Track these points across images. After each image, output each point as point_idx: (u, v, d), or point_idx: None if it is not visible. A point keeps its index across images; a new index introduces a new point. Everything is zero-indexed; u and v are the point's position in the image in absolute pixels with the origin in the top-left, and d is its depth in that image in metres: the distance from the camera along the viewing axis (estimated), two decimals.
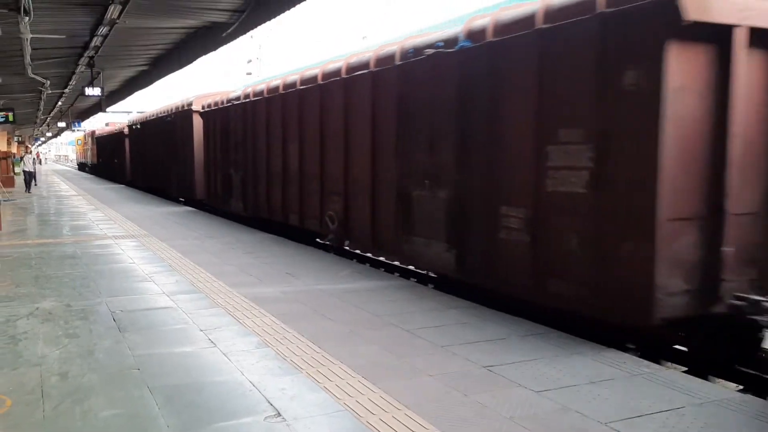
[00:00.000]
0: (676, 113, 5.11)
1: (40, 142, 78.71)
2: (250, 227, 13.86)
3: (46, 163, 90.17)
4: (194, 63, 16.13)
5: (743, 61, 5.27)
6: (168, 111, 21.69)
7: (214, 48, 14.17)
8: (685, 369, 5.77)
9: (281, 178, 12.62)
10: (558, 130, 6.06)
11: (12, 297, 7.15)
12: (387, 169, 8.92)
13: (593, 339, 5.59)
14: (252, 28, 12.23)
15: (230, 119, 15.35)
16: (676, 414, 3.95)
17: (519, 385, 4.44)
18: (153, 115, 24.53)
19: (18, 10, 10.15)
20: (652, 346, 6.04)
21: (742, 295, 5.22)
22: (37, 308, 6.61)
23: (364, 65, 9.57)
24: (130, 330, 5.79)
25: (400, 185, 8.54)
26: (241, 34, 12.79)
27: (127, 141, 30.67)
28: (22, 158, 31.90)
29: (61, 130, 51.58)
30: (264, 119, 13.28)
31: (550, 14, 6.20)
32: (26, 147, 49.39)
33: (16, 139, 45.24)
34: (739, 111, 5.30)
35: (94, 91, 18.27)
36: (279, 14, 10.96)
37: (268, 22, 11.51)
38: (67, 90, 23.82)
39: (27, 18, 10.35)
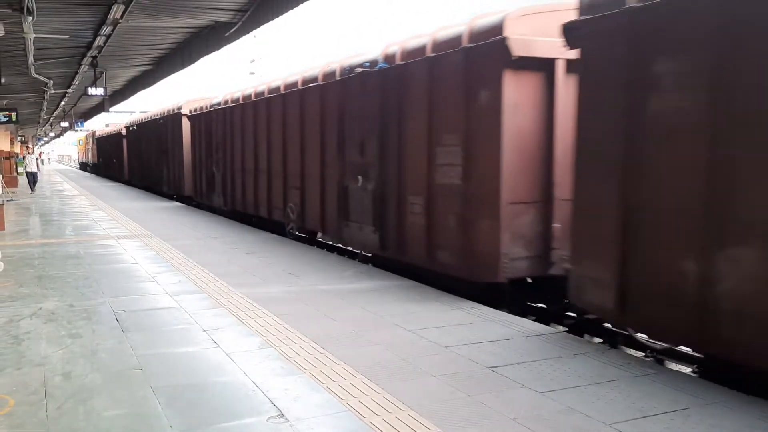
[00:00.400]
0: (512, 124, 6.80)
1: (43, 142, 78.78)
2: (252, 227, 13.86)
3: (49, 163, 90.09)
4: (198, 63, 16.13)
5: (562, 84, 6.91)
6: (161, 114, 23.14)
7: (217, 48, 14.16)
8: (565, 330, 6.66)
9: (253, 175, 14.20)
10: (442, 135, 7.75)
11: (15, 297, 7.15)
12: (332, 166, 10.49)
13: (466, 296, 7.12)
14: (255, 28, 12.21)
15: (212, 123, 16.96)
16: (682, 415, 3.93)
17: (523, 385, 4.42)
18: (147, 118, 26.08)
19: (21, 10, 10.15)
20: (524, 305, 7.39)
21: None
22: (40, 308, 6.61)
23: (314, 79, 11.10)
24: (133, 330, 5.79)
25: (341, 180, 10.09)
26: (245, 34, 12.78)
27: (124, 141, 31.99)
28: (24, 158, 31.95)
29: (64, 129, 51.63)
30: (239, 123, 14.90)
31: (436, 46, 7.90)
32: (27, 147, 49.40)
33: (19, 138, 45.33)
34: (561, 122, 6.89)
35: (97, 91, 18.30)
36: (282, 14, 10.94)
37: (271, 22, 11.49)
38: (70, 90, 23.86)
39: (30, 18, 10.36)
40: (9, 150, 34.62)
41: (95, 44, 14.61)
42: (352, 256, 8.67)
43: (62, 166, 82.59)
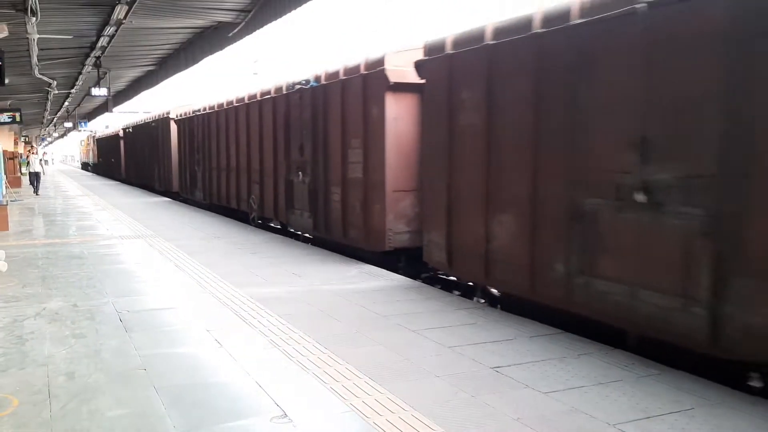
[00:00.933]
0: (393, 132, 9.07)
1: (46, 143, 78.80)
2: (256, 228, 13.88)
3: (52, 163, 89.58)
4: (202, 63, 16.17)
5: None
6: (153, 118, 25.81)
7: (220, 48, 14.19)
8: (459, 293, 7.96)
9: (225, 173, 16.54)
10: (351, 140, 10.01)
11: (19, 297, 7.16)
12: (282, 164, 12.75)
13: (367, 261, 9.40)
14: (258, 28, 12.23)
15: (194, 127, 19.24)
16: (686, 416, 3.92)
17: (527, 386, 4.41)
18: (141, 121, 28.74)
19: (25, 11, 10.18)
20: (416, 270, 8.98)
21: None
22: (44, 308, 6.62)
23: (269, 92, 13.40)
24: (136, 330, 5.80)
25: (287, 175, 12.44)
26: (247, 34, 12.79)
27: (122, 143, 34.70)
28: (27, 158, 31.96)
29: (68, 130, 51.89)
30: (215, 128, 17.22)
31: (346, 71, 10.20)
32: (31, 147, 49.37)
33: (23, 139, 45.37)
34: None
35: (100, 92, 18.36)
36: (285, 14, 10.96)
37: (274, 22, 11.50)
38: (73, 90, 23.91)
39: (34, 18, 10.38)
40: (13, 150, 34.67)
41: (99, 45, 14.64)
42: (354, 256, 9.96)
43: (65, 167, 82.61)
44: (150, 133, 25.67)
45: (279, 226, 13.94)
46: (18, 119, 22.59)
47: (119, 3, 10.97)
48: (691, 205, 4.77)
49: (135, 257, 9.88)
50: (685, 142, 4.83)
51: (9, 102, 23.91)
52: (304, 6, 10.47)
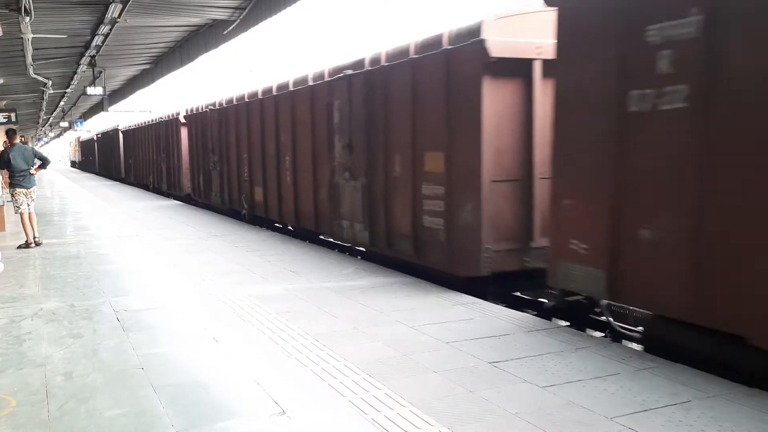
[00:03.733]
0: (185, 143, 19.71)
1: (42, 142, 78.54)
2: (253, 226, 13.89)
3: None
4: (198, 61, 16.15)
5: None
6: (110, 128, 36.90)
7: (216, 46, 14.19)
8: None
9: (142, 163, 27.03)
10: (175, 145, 20.64)
11: (16, 297, 7.15)
12: (159, 157, 22.99)
13: (173, 197, 22.20)
14: (253, 26, 12.21)
15: (129, 136, 30.21)
16: (683, 408, 3.93)
17: (524, 380, 4.42)
18: (105, 130, 39.77)
19: (19, 10, 10.15)
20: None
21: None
22: (41, 308, 6.62)
23: (155, 120, 23.41)
24: (133, 329, 5.79)
25: (160, 163, 22.76)
26: (243, 32, 12.78)
27: (96, 145, 45.48)
28: None
29: (64, 130, 52.01)
30: (138, 138, 27.60)
31: (169, 115, 21.77)
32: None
33: (19, 139, 45.35)
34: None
35: (96, 91, 18.36)
36: (280, 11, 10.95)
37: (269, 19, 11.48)
38: (69, 90, 23.90)
39: (28, 18, 10.36)
40: None
41: (93, 44, 14.63)
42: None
43: (58, 165, 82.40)
44: (110, 138, 36.91)
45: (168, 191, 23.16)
46: (13, 119, 22.52)
47: (113, 2, 10.95)
48: (221, 168, 15.47)
49: (133, 256, 9.90)
50: (225, 149, 14.93)
51: (4, 102, 23.86)
52: (300, 3, 10.45)
